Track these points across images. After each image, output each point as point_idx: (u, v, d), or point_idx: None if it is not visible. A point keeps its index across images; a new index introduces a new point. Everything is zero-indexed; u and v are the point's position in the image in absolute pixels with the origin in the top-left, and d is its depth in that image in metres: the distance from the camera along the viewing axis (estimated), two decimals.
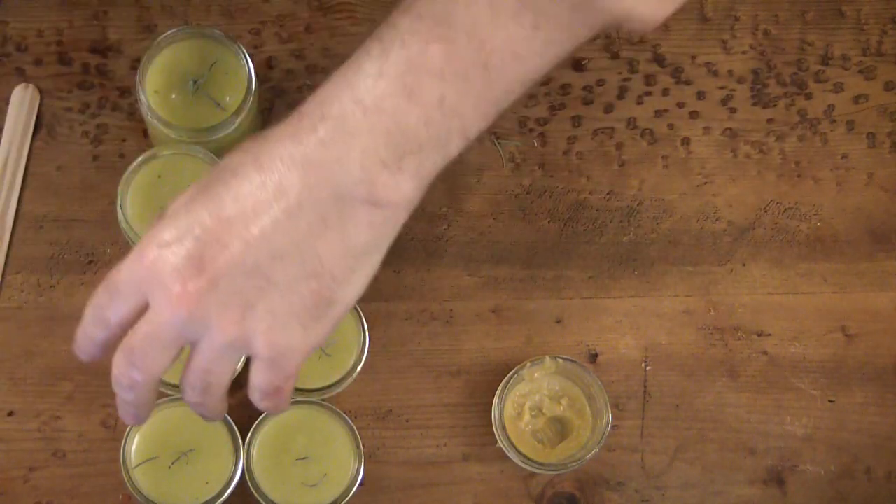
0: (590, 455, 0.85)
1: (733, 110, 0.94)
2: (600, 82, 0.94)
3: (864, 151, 0.94)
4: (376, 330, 0.88)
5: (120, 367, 0.65)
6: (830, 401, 0.91)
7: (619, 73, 0.94)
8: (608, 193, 0.93)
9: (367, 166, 0.62)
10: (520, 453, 0.85)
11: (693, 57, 0.94)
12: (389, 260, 0.66)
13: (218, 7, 0.92)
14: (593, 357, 0.91)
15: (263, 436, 0.84)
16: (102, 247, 0.89)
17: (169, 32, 0.83)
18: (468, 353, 0.90)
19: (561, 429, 0.88)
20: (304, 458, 0.84)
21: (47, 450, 0.86)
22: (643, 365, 0.91)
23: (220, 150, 0.83)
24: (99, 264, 0.88)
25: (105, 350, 0.66)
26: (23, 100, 0.90)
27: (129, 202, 0.82)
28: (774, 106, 0.94)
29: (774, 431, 0.91)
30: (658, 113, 0.94)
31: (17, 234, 0.88)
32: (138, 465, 0.83)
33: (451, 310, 0.90)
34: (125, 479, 0.82)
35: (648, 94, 0.94)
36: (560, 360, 0.86)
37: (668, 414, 0.90)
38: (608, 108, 0.94)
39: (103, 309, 0.64)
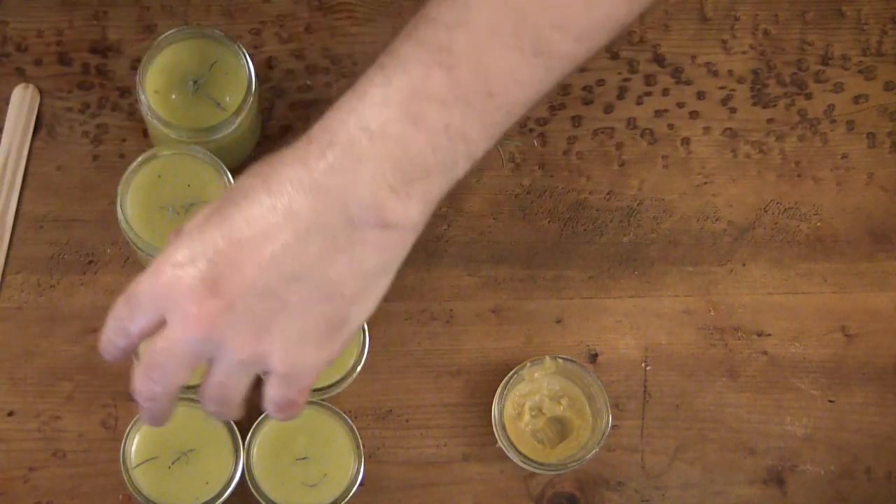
0: (590, 455, 0.85)
1: (733, 110, 0.94)
2: (600, 82, 0.94)
3: (864, 151, 0.94)
4: (376, 330, 0.88)
5: (140, 382, 0.66)
6: (830, 401, 0.91)
7: (619, 73, 0.94)
8: (608, 193, 0.93)
9: (375, 192, 0.62)
10: (520, 453, 0.85)
11: (693, 57, 0.94)
12: None
13: (218, 7, 0.92)
14: (593, 357, 0.91)
15: (263, 436, 0.84)
16: (102, 247, 0.89)
17: (169, 32, 0.83)
18: (468, 353, 0.90)
19: (561, 429, 0.88)
20: (304, 458, 0.84)
21: (47, 450, 0.86)
22: (643, 365, 0.91)
23: (220, 150, 0.83)
24: (99, 264, 0.88)
25: (129, 353, 0.68)
26: (23, 100, 0.90)
27: (129, 202, 0.82)
28: (774, 106, 0.94)
29: (774, 431, 0.91)
30: (658, 113, 0.94)
31: (17, 234, 0.88)
32: (138, 465, 0.83)
33: (451, 310, 0.90)
34: (125, 479, 0.82)
35: (648, 94, 0.94)
36: (560, 360, 0.86)
37: (668, 414, 0.90)
38: (608, 108, 0.94)
39: (124, 321, 0.66)
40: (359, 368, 0.84)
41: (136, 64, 0.90)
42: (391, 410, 0.89)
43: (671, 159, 0.93)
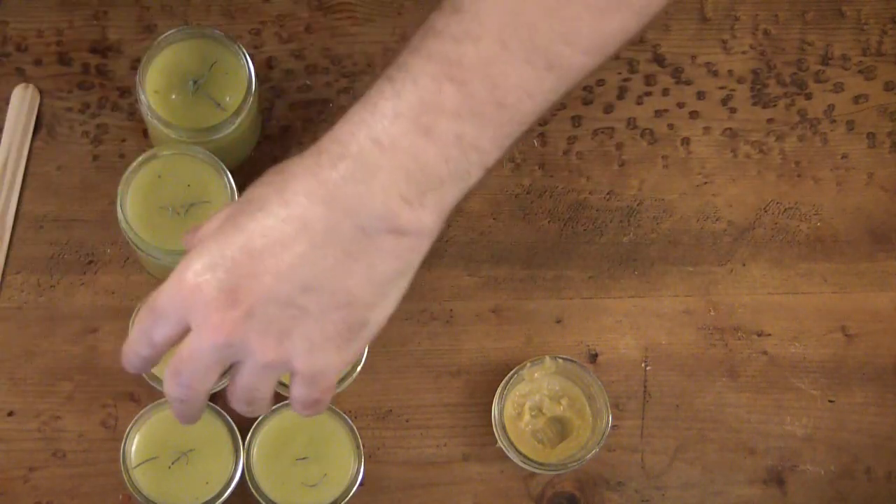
0: (590, 455, 0.85)
1: (733, 110, 0.94)
2: (600, 82, 0.94)
3: (864, 151, 0.94)
4: None
5: (170, 386, 0.67)
6: (830, 401, 0.91)
7: (619, 73, 0.94)
8: (608, 193, 0.93)
9: (387, 203, 0.63)
10: (520, 453, 0.85)
11: (693, 57, 0.94)
12: None
13: (218, 7, 0.92)
14: (593, 357, 0.91)
15: (263, 436, 0.84)
16: (102, 247, 0.89)
17: (169, 32, 0.83)
18: (468, 353, 0.90)
19: (561, 429, 0.88)
20: (304, 458, 0.84)
21: (47, 450, 0.86)
22: (643, 365, 0.91)
23: (220, 150, 0.83)
24: (99, 264, 0.88)
25: (152, 364, 0.69)
26: (23, 100, 0.90)
27: (129, 202, 0.82)
28: (774, 106, 0.94)
29: (774, 431, 0.91)
30: (658, 113, 0.94)
31: (17, 234, 0.88)
32: (138, 465, 0.83)
33: (451, 310, 0.90)
34: (125, 479, 0.82)
35: (648, 94, 0.94)
36: (560, 360, 0.86)
37: (668, 414, 0.90)
38: (608, 108, 0.94)
39: (148, 330, 0.67)
40: (359, 368, 0.84)
41: (136, 64, 0.90)
42: (391, 410, 0.89)
43: (671, 159, 0.93)
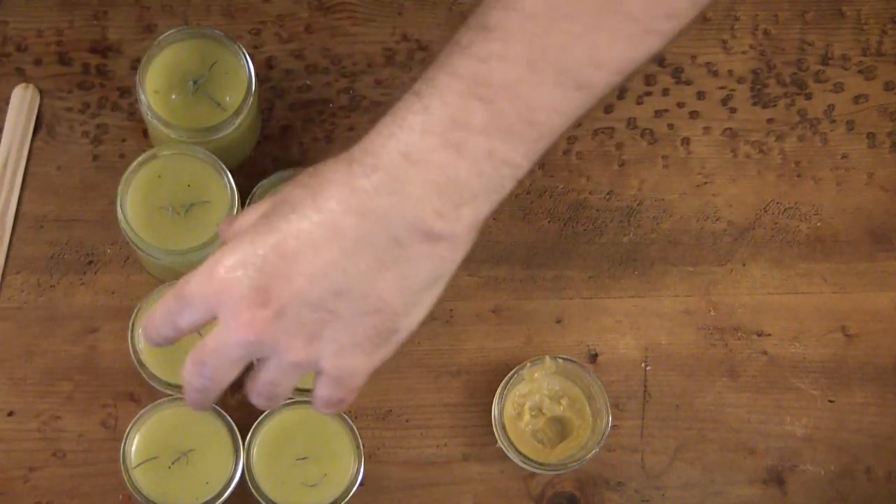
0: (590, 455, 0.85)
1: (733, 110, 0.94)
2: None
3: (864, 151, 0.94)
4: None
5: (191, 374, 0.67)
6: (830, 401, 0.91)
7: None
8: (608, 193, 0.93)
9: (420, 216, 0.63)
10: (520, 453, 0.85)
11: (693, 57, 0.94)
12: None
13: (218, 7, 0.92)
14: (593, 357, 0.91)
15: (263, 436, 0.84)
16: (102, 247, 0.89)
17: (169, 32, 0.83)
18: (468, 353, 0.90)
19: (561, 429, 0.88)
20: (304, 458, 0.84)
21: (47, 450, 0.86)
22: (643, 365, 0.91)
23: (220, 150, 0.83)
24: (99, 264, 0.88)
25: (173, 343, 0.69)
26: (23, 100, 0.90)
27: (129, 202, 0.82)
28: (774, 106, 0.94)
29: (774, 431, 0.91)
30: (658, 113, 0.94)
31: (17, 234, 0.88)
32: (138, 465, 0.83)
33: (451, 310, 0.90)
34: (125, 479, 0.82)
35: (648, 94, 0.94)
36: (560, 360, 0.86)
37: (668, 414, 0.90)
38: (608, 108, 0.94)
39: (173, 315, 0.67)
40: None
41: (136, 64, 0.90)
42: (391, 410, 0.89)
43: (671, 159, 0.93)
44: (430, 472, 0.88)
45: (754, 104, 0.94)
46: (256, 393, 0.69)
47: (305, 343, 0.65)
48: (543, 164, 0.92)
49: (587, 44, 0.63)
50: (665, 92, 0.94)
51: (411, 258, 0.64)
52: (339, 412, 0.70)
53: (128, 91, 0.90)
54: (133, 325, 0.82)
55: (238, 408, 0.85)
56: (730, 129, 0.94)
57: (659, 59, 0.94)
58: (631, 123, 0.93)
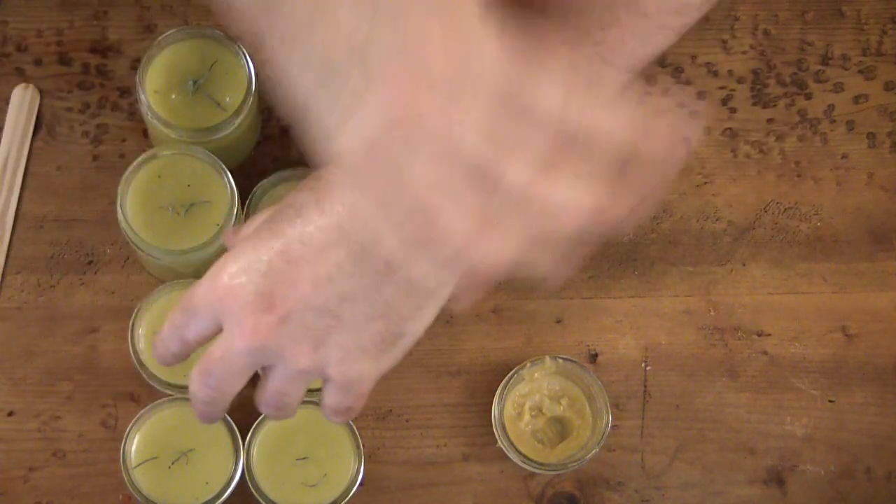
0: (590, 455, 0.85)
1: (733, 110, 0.94)
2: None
3: (864, 151, 0.94)
4: None
5: (197, 385, 0.67)
6: (830, 401, 0.91)
7: None
8: None
9: None
10: (520, 453, 0.85)
11: (693, 57, 0.94)
12: None
13: None
14: (593, 357, 0.91)
15: (263, 436, 0.84)
16: (102, 247, 0.89)
17: (169, 32, 0.83)
18: (468, 353, 0.90)
19: (561, 429, 0.88)
20: (304, 458, 0.84)
21: (47, 450, 0.86)
22: (643, 365, 0.91)
23: (220, 150, 0.83)
24: (99, 264, 0.88)
25: (182, 359, 0.69)
26: (23, 100, 0.90)
27: (129, 202, 0.82)
28: (774, 106, 0.94)
29: (774, 431, 0.91)
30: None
31: (17, 234, 0.88)
32: (138, 465, 0.83)
33: (452, 309, 0.90)
34: (125, 479, 0.82)
35: (648, 94, 0.94)
36: (560, 360, 0.86)
37: (668, 414, 0.90)
38: None
39: (180, 328, 0.67)
40: None
41: (136, 64, 0.90)
42: (391, 410, 0.89)
43: None
44: (430, 472, 0.88)
45: (754, 104, 0.94)
46: (266, 403, 0.68)
47: (311, 349, 0.64)
48: None
49: (600, 41, 0.63)
50: (665, 92, 0.94)
51: (416, 263, 0.64)
52: (349, 420, 0.69)
53: (128, 91, 0.90)
54: (133, 325, 0.82)
55: (238, 408, 0.85)
56: (730, 129, 0.94)
57: (659, 59, 0.94)
58: None
